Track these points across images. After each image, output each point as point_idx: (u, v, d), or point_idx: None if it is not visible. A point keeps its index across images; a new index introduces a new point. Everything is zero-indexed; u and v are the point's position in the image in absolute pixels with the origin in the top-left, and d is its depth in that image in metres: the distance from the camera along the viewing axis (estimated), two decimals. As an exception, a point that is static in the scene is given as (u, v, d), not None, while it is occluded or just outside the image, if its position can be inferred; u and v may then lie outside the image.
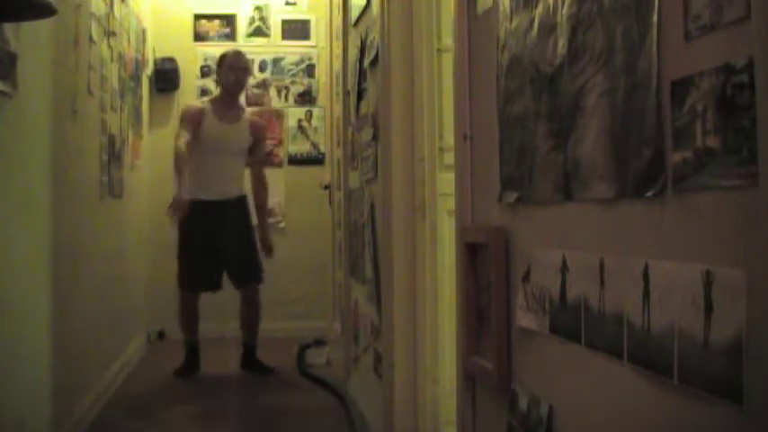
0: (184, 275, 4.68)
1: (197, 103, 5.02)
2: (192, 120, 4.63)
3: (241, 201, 4.78)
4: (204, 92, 6.03)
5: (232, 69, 4.72)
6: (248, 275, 4.74)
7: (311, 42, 6.16)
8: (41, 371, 2.87)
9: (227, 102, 4.75)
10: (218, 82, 4.89)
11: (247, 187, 4.88)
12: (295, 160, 6.18)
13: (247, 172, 4.88)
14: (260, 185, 4.89)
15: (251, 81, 6.05)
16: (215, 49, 6.02)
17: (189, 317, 4.74)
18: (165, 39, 6.00)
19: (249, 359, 4.81)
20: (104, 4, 4.11)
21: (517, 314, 1.64)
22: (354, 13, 3.78)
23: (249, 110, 5.09)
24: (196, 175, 4.64)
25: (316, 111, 6.18)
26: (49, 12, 2.19)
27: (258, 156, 4.87)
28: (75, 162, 3.44)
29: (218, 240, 4.64)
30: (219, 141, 4.66)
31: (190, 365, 4.72)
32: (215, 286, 4.73)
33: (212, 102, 4.77)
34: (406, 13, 2.85)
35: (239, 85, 4.78)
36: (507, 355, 1.72)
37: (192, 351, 4.76)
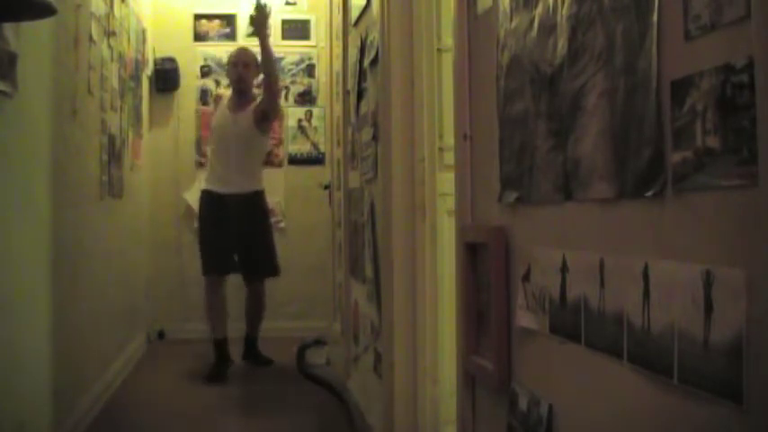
0: (204, 262, 4.82)
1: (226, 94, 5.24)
2: (217, 100, 5.07)
3: (254, 197, 4.88)
4: (204, 92, 6.03)
5: (234, 66, 4.91)
6: (258, 271, 4.93)
7: (311, 42, 6.16)
8: (41, 371, 2.87)
9: (236, 97, 4.93)
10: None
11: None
12: (295, 160, 6.18)
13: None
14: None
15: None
16: (215, 49, 6.04)
17: (213, 308, 4.78)
18: (165, 39, 6.00)
19: (250, 351, 5.01)
20: (104, 4, 4.11)
21: (517, 314, 1.64)
22: (354, 13, 3.78)
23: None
24: (209, 167, 4.96)
25: (316, 111, 6.18)
26: (49, 12, 2.19)
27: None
28: (75, 162, 3.44)
29: (228, 230, 4.78)
30: (223, 128, 4.85)
31: (219, 367, 4.67)
32: (228, 269, 4.86)
33: (230, 97, 5.01)
34: (406, 13, 2.85)
35: (241, 80, 4.89)
36: (507, 354, 1.72)
37: (219, 350, 4.73)
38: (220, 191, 4.79)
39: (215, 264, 4.77)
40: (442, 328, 2.75)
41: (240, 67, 4.86)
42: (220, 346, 4.73)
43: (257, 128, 4.84)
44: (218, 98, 5.17)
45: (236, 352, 4.99)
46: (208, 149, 5.03)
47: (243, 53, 4.95)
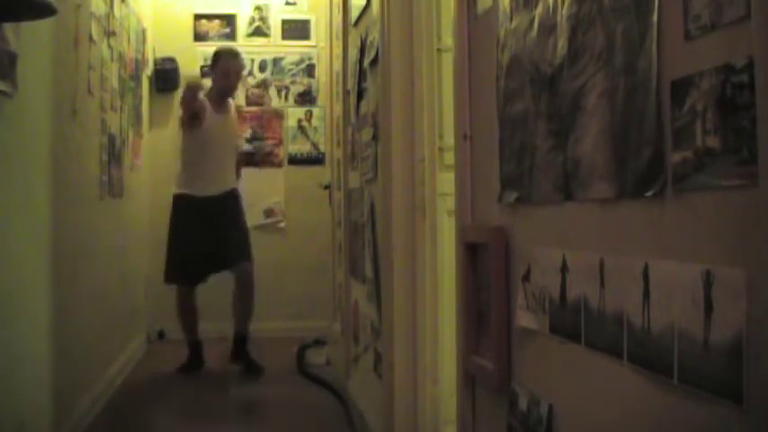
0: (168, 269, 4.74)
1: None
2: (201, 103, 4.71)
3: (233, 194, 4.86)
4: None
5: (227, 74, 4.79)
6: (241, 254, 4.73)
7: (311, 42, 6.16)
8: (41, 371, 2.87)
9: (219, 99, 4.83)
10: (212, 80, 4.92)
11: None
12: (295, 160, 6.18)
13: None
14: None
15: (251, 81, 6.07)
16: (215, 49, 6.03)
17: (186, 315, 4.80)
18: (165, 39, 6.00)
19: (240, 350, 4.76)
20: (104, 4, 4.11)
21: (517, 314, 1.64)
22: (354, 13, 3.78)
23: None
24: (190, 170, 4.77)
25: (316, 111, 6.18)
26: (49, 12, 2.19)
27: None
28: (75, 162, 3.44)
29: (207, 236, 4.68)
30: (217, 133, 4.76)
31: (192, 363, 4.76)
32: (196, 280, 4.79)
33: (207, 97, 4.83)
34: (406, 13, 2.85)
35: (234, 89, 4.90)
36: (507, 354, 1.72)
37: (194, 349, 4.80)
38: (203, 194, 4.69)
39: (187, 274, 4.72)
40: (442, 328, 2.75)
41: (233, 76, 4.82)
42: (195, 347, 4.79)
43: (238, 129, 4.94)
44: (202, 104, 4.80)
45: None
46: (186, 152, 4.80)
47: (238, 62, 4.90)
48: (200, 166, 4.74)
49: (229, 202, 4.80)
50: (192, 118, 4.65)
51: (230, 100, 4.96)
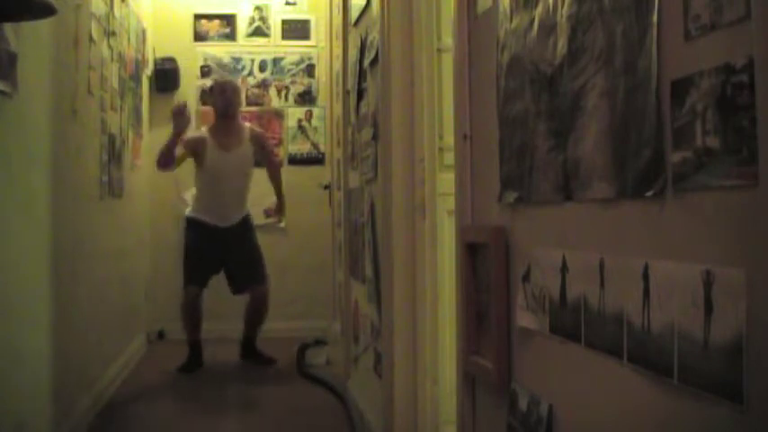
0: (189, 275, 4.83)
1: (198, 132, 5.08)
2: (192, 145, 4.78)
3: (244, 221, 4.93)
4: (204, 92, 6.03)
5: (224, 91, 4.86)
6: (255, 278, 4.90)
7: (311, 42, 6.16)
8: (41, 371, 2.87)
9: (225, 126, 4.86)
10: (213, 108, 4.98)
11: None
12: (295, 160, 6.18)
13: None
14: (274, 179, 5.16)
15: (251, 81, 6.07)
16: (215, 49, 6.04)
17: (191, 314, 4.82)
18: (165, 39, 6.00)
19: (249, 349, 4.96)
20: (104, 4, 4.11)
21: (517, 314, 1.64)
22: (354, 13, 3.78)
23: (248, 124, 5.14)
24: (201, 200, 4.89)
25: (316, 111, 6.18)
26: (49, 12, 2.19)
27: (265, 160, 5.09)
28: (75, 162, 3.44)
29: (221, 258, 4.85)
30: (221, 170, 4.80)
31: (191, 363, 4.79)
32: (207, 281, 4.90)
33: (210, 130, 4.89)
34: (406, 13, 2.85)
35: (231, 104, 4.87)
36: (507, 354, 1.72)
37: (194, 350, 4.83)
38: (215, 224, 4.81)
39: (198, 277, 4.80)
40: (442, 328, 2.75)
41: (229, 92, 4.84)
42: (195, 347, 4.83)
43: (253, 158, 4.93)
44: (197, 141, 4.80)
45: (236, 354, 4.99)
46: (198, 181, 4.91)
47: (231, 82, 5.00)
48: (211, 199, 4.84)
49: (240, 230, 4.88)
50: (191, 155, 4.80)
51: (245, 129, 4.94)
